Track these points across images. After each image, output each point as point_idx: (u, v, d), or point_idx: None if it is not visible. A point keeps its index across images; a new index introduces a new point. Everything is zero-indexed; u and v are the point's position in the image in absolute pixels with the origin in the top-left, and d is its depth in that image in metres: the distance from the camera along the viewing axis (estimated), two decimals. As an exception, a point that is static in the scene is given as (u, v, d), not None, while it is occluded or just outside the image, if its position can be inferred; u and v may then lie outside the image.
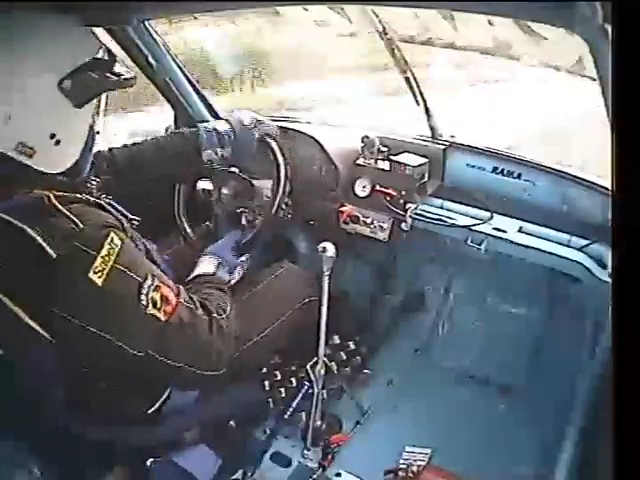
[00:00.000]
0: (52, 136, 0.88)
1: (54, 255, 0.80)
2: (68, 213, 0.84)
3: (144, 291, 0.87)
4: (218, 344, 0.99)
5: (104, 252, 0.83)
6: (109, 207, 0.98)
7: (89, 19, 1.07)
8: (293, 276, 1.49)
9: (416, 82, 1.62)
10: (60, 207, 0.84)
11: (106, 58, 0.96)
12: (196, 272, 1.22)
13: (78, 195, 0.92)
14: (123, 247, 0.86)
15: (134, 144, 1.41)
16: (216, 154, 1.40)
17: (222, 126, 1.42)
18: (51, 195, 0.86)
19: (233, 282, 1.29)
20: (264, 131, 1.46)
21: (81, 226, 0.83)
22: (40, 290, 0.82)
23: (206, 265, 1.24)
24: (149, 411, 1.07)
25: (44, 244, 0.80)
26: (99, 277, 0.82)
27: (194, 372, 0.96)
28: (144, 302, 0.87)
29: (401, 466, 1.46)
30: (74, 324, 0.84)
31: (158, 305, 0.89)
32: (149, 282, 0.89)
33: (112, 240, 0.85)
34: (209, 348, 0.98)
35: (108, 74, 0.94)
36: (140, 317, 0.88)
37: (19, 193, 0.86)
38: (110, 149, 1.36)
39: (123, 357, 0.88)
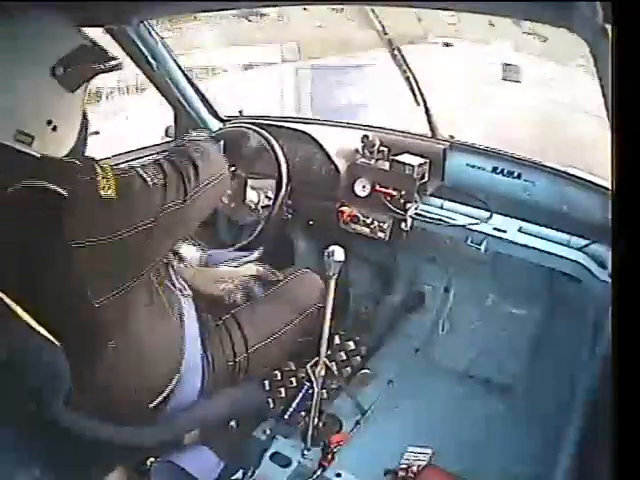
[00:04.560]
0: (49, 122, 0.91)
1: (65, 193, 0.84)
2: (64, 159, 0.92)
3: (144, 174, 0.95)
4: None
5: (100, 172, 0.89)
6: None
7: (89, 19, 1.08)
8: (305, 282, 1.49)
9: (416, 82, 1.62)
10: (55, 157, 0.92)
11: (92, 45, 0.98)
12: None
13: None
14: (110, 163, 0.94)
15: None
16: None
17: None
18: (41, 155, 0.90)
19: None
20: None
21: (78, 163, 0.91)
22: (66, 231, 0.85)
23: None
24: (152, 404, 1.08)
25: (55, 187, 0.84)
26: (111, 191, 0.88)
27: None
28: (149, 179, 0.95)
29: (401, 466, 1.46)
30: (104, 245, 0.88)
31: (158, 173, 0.97)
32: (140, 165, 0.97)
33: (98, 163, 0.92)
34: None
35: (96, 59, 0.97)
36: (152, 191, 0.95)
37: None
38: None
39: (146, 241, 0.95)
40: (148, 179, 0.95)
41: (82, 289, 0.91)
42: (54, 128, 0.92)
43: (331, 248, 1.24)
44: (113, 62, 1.01)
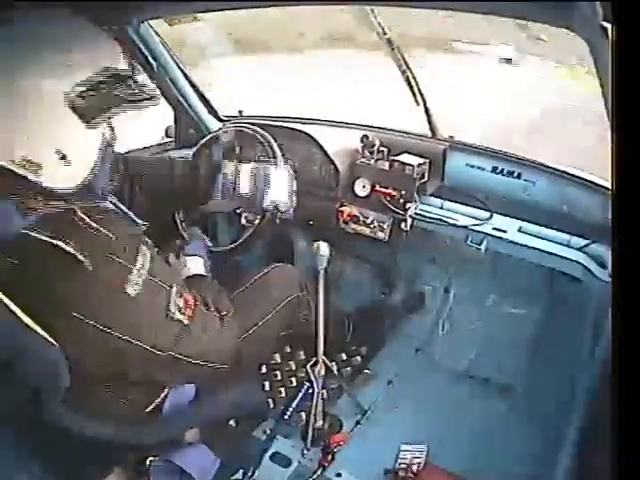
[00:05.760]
0: (58, 152, 0.84)
1: (90, 267, 0.81)
2: (97, 225, 0.84)
3: (172, 299, 0.92)
4: (227, 339, 1.06)
5: (139, 264, 0.86)
6: (122, 214, 0.99)
7: (89, 19, 1.07)
8: (279, 274, 1.49)
9: (416, 82, 1.61)
10: (88, 220, 0.84)
11: (122, 69, 0.90)
12: (192, 272, 1.24)
13: (100, 206, 0.93)
14: (153, 258, 0.90)
15: (154, 154, 1.46)
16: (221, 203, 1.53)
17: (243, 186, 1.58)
18: (76, 208, 0.86)
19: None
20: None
21: (113, 238, 0.84)
22: (71, 300, 0.83)
23: (196, 265, 1.27)
24: (147, 409, 1.08)
25: (79, 256, 0.80)
26: (134, 289, 0.85)
27: (209, 367, 1.03)
28: (172, 309, 0.92)
29: (401, 466, 1.46)
30: (103, 332, 0.86)
31: (182, 310, 0.94)
32: (175, 289, 0.93)
33: (144, 252, 0.88)
34: (221, 344, 1.04)
35: (123, 89, 0.88)
36: (168, 323, 0.92)
37: (39, 208, 0.85)
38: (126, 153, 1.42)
39: (145, 360, 0.93)
40: (171, 306, 0.91)
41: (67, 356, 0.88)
42: (64, 158, 0.85)
43: (316, 244, 1.30)
44: (145, 96, 0.91)
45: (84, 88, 0.83)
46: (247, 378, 1.35)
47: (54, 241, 0.81)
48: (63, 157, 0.85)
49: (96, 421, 0.99)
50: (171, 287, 0.93)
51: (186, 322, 0.95)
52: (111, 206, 0.98)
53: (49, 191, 0.86)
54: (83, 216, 0.85)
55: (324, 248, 1.30)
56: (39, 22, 0.85)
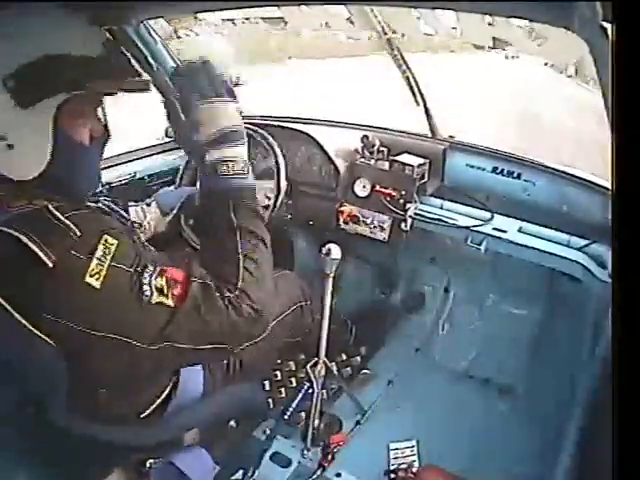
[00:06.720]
0: (2, 138, 0.83)
1: (50, 264, 0.78)
2: (67, 222, 0.82)
3: (145, 280, 0.84)
4: (234, 317, 0.90)
5: (99, 253, 0.81)
6: (110, 210, 0.98)
7: (88, 19, 1.07)
8: (283, 281, 1.47)
9: (416, 82, 1.62)
10: (59, 216, 0.82)
11: (66, 55, 0.87)
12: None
13: (80, 203, 0.91)
14: (119, 245, 0.84)
15: None
16: (142, 211, 1.42)
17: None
18: (49, 205, 0.83)
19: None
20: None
21: (79, 234, 0.81)
22: (39, 298, 0.81)
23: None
24: (142, 415, 1.07)
25: (40, 253, 0.78)
26: (96, 279, 0.80)
27: (219, 349, 0.91)
28: (147, 292, 0.84)
29: (400, 466, 1.46)
30: (76, 330, 0.82)
31: (165, 291, 0.85)
32: (150, 269, 0.85)
33: (107, 240, 0.83)
34: (225, 322, 0.89)
35: (64, 74, 0.86)
36: (145, 309, 0.84)
37: (11, 205, 0.84)
38: None
39: (136, 353, 0.85)
40: (146, 289, 0.83)
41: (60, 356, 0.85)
42: (9, 146, 0.83)
43: (327, 246, 1.23)
44: (81, 81, 0.87)
45: (20, 73, 0.81)
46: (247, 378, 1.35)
47: (16, 233, 0.79)
48: (10, 146, 0.84)
49: (97, 421, 0.99)
50: (143, 269, 0.85)
51: (171, 304, 0.85)
52: (95, 205, 0.96)
53: (17, 186, 0.85)
54: (55, 212, 0.82)
55: (336, 251, 1.20)
56: None
